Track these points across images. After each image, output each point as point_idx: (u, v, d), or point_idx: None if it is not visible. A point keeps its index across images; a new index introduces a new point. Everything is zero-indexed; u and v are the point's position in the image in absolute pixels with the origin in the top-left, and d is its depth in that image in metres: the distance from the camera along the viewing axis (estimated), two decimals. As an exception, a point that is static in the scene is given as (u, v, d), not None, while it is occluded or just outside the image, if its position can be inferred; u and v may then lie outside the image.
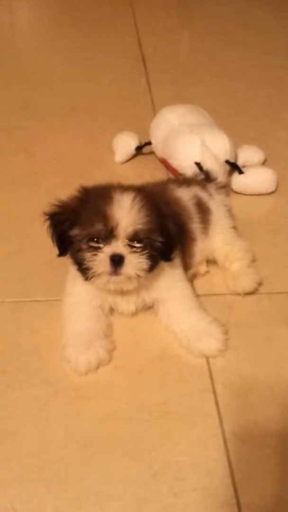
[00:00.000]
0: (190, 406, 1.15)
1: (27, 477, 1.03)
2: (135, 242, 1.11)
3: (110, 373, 1.20)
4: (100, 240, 1.10)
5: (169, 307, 1.24)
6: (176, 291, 1.24)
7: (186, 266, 1.29)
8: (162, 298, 1.24)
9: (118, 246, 1.10)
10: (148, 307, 1.27)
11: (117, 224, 1.08)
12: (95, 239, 1.10)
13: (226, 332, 1.24)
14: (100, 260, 1.10)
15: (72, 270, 1.21)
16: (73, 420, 1.12)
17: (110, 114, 2.04)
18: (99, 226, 1.09)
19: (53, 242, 1.19)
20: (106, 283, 1.14)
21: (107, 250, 1.10)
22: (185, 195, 1.33)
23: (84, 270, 1.13)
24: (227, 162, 1.61)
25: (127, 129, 1.85)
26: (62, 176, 1.73)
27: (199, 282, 1.40)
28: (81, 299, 1.23)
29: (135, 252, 1.11)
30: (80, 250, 1.13)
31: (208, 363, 1.23)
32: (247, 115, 2.06)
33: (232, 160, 1.63)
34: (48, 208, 1.19)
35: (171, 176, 1.71)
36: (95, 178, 1.70)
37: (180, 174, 1.62)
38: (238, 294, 1.36)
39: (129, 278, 1.13)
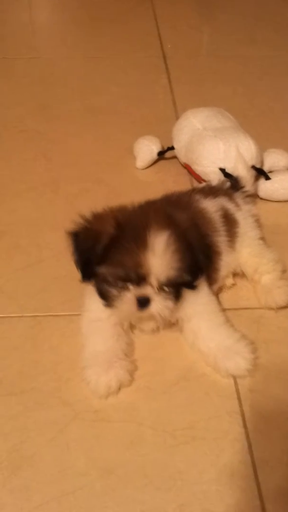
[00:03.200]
0: (217, 430, 1.09)
1: (46, 508, 0.98)
2: (165, 286, 1.08)
3: (132, 394, 1.14)
4: (129, 281, 1.06)
5: (195, 324, 1.18)
6: (201, 308, 1.18)
7: (211, 281, 1.23)
8: (187, 315, 1.18)
9: (147, 290, 1.07)
10: (172, 324, 1.21)
11: (149, 272, 1.04)
12: (124, 279, 1.07)
13: (255, 351, 1.18)
14: (126, 300, 1.07)
15: (91, 285, 1.15)
16: (94, 445, 1.06)
17: (130, 116, 1.97)
18: (130, 271, 1.05)
19: (76, 266, 1.14)
20: (129, 317, 1.15)
21: (135, 292, 1.07)
22: (211, 207, 1.27)
23: (108, 301, 1.11)
24: (253, 167, 1.54)
25: (148, 131, 1.79)
26: (81, 182, 1.67)
27: (225, 296, 1.34)
28: (99, 316, 1.17)
29: (162, 293, 1.08)
30: (105, 283, 1.09)
31: (235, 383, 1.17)
32: (273, 117, 1.98)
33: (258, 166, 1.56)
34: (72, 227, 1.14)
35: (195, 181, 1.65)
36: (115, 184, 1.68)
37: (204, 181, 1.56)
38: (271, 308, 1.29)
39: (152, 316, 1.10)
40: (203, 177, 1.57)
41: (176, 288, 1.09)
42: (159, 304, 1.08)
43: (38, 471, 1.03)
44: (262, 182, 1.58)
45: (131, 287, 1.06)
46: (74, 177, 1.70)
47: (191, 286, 1.13)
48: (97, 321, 1.18)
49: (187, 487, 1.01)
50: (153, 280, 1.05)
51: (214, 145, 1.53)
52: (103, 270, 1.08)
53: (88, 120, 1.95)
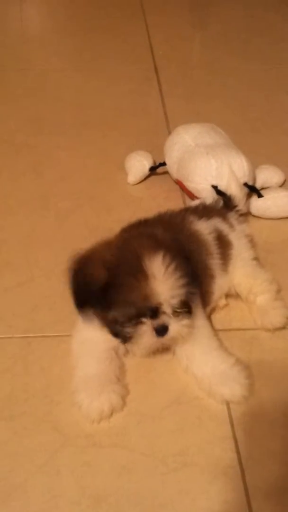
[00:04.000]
0: (210, 456, 1.08)
1: (36, 539, 0.96)
2: (178, 308, 1.06)
3: (123, 419, 1.13)
4: (142, 316, 1.04)
5: (188, 348, 1.16)
6: (195, 332, 1.16)
7: (204, 304, 1.21)
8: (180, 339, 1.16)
9: (163, 318, 1.05)
10: (164, 348, 1.20)
11: (159, 300, 1.03)
12: (137, 317, 1.05)
13: (250, 376, 1.17)
14: (144, 334, 1.05)
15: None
16: (85, 472, 1.05)
17: (122, 129, 1.96)
18: (140, 307, 1.03)
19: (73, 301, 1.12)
20: (150, 349, 1.10)
21: (152, 323, 1.05)
22: (204, 229, 1.26)
23: (125, 340, 1.08)
24: (246, 185, 1.53)
25: (140, 145, 1.78)
26: (72, 199, 1.66)
27: (217, 316, 1.33)
28: (91, 337, 1.16)
29: (177, 315, 1.06)
30: (117, 324, 1.07)
31: (228, 407, 1.15)
32: (266, 131, 1.97)
33: (250, 183, 1.55)
34: (68, 267, 1.12)
35: (187, 198, 1.64)
36: (106, 200, 1.66)
37: (197, 197, 1.54)
38: (267, 330, 1.28)
39: (173, 339, 1.09)
40: (195, 194, 1.56)
41: (187, 304, 1.08)
42: (178, 327, 1.06)
43: (28, 499, 1.01)
44: (255, 199, 1.57)
45: (145, 320, 1.04)
46: (65, 192, 1.68)
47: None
48: (88, 343, 1.16)
49: (179, 516, 0.99)
50: (167, 307, 1.04)
51: (206, 162, 1.52)
52: (112, 314, 1.06)
53: (80, 133, 1.94)
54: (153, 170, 1.70)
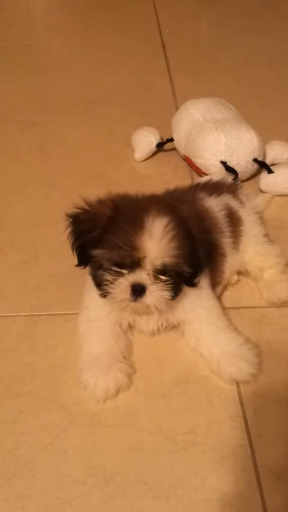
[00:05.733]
0: (219, 435, 1.05)
1: (42, 518, 0.94)
2: (161, 274, 1.01)
3: (130, 398, 1.10)
4: (123, 266, 1.01)
5: (197, 328, 1.13)
6: (203, 311, 1.13)
7: (214, 283, 1.18)
8: (189, 318, 1.13)
9: (142, 276, 1.01)
10: (173, 326, 1.17)
11: (144, 256, 0.99)
12: (119, 264, 1.01)
13: (259, 354, 1.14)
14: (120, 288, 1.01)
15: (90, 281, 1.10)
16: (91, 451, 1.03)
17: (129, 106, 1.92)
18: (125, 254, 0.99)
19: (72, 250, 1.08)
20: (124, 307, 1.07)
21: (130, 278, 1.01)
22: (215, 206, 1.22)
23: (102, 290, 1.04)
24: (255, 160, 1.49)
25: (147, 122, 1.74)
26: (78, 176, 1.63)
27: (226, 294, 1.30)
28: (98, 314, 1.13)
29: (158, 282, 1.02)
30: (100, 269, 1.04)
31: (238, 385, 1.13)
32: (276, 107, 1.93)
33: (260, 158, 1.51)
34: (72, 210, 1.08)
35: (195, 174, 1.61)
36: (113, 177, 1.63)
37: (205, 174, 1.51)
38: (274, 304, 1.25)
39: (148, 307, 1.04)
40: (204, 170, 1.53)
41: (175, 279, 1.03)
42: (155, 294, 1.01)
43: (34, 478, 0.99)
44: (264, 175, 1.53)
45: (125, 272, 1.01)
46: (71, 170, 1.65)
47: (191, 283, 1.08)
48: (96, 319, 1.13)
49: (188, 495, 0.97)
50: (148, 264, 0.99)
51: (215, 138, 1.49)
52: (98, 253, 1.02)
53: (86, 110, 1.90)
54: (160, 146, 1.66)
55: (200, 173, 1.56)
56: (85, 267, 1.09)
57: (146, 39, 2.30)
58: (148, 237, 0.98)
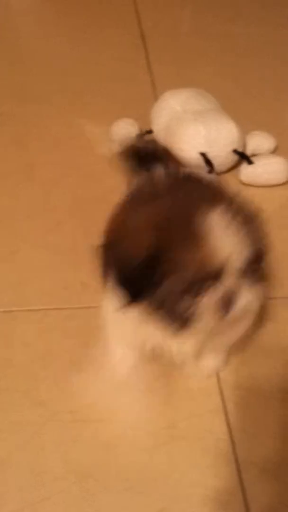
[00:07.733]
0: (200, 429, 1.05)
1: (21, 516, 0.93)
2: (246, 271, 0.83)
3: (109, 393, 1.09)
4: (204, 281, 0.81)
5: None
6: None
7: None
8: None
9: (229, 283, 0.82)
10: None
11: (223, 258, 0.80)
12: (196, 283, 0.81)
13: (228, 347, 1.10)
14: (206, 307, 0.82)
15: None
16: (71, 447, 1.02)
17: (109, 96, 1.89)
18: (199, 269, 0.79)
19: (121, 287, 0.86)
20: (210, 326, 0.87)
21: (216, 291, 0.82)
22: None
23: (179, 323, 0.85)
24: (235, 151, 1.48)
25: (127, 113, 1.72)
26: (58, 168, 1.60)
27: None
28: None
29: (246, 280, 0.84)
30: (167, 303, 0.83)
31: (218, 379, 1.12)
32: (257, 97, 1.91)
33: (240, 149, 1.50)
34: (105, 241, 0.90)
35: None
36: (92, 169, 1.60)
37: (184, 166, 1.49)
38: None
39: (244, 313, 0.88)
40: (184, 162, 1.51)
41: (258, 266, 0.86)
42: (249, 294, 0.84)
43: (12, 475, 0.98)
44: (245, 167, 1.52)
45: (208, 288, 0.81)
46: (51, 162, 1.63)
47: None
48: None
49: (169, 490, 0.96)
50: (232, 266, 0.81)
51: (194, 129, 1.47)
52: (160, 291, 0.81)
53: (65, 101, 1.87)
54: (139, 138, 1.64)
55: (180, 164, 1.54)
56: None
57: (125, 29, 2.26)
58: (215, 236, 0.79)
